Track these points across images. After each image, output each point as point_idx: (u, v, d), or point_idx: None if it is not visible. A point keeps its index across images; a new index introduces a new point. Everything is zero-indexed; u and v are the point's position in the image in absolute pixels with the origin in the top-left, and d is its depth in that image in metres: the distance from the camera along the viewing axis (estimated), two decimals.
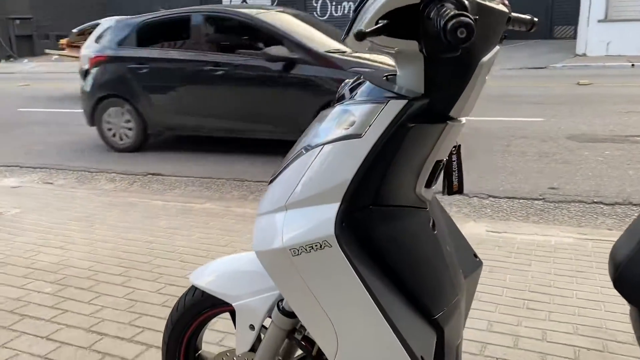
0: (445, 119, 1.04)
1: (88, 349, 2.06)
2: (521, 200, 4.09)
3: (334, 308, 0.99)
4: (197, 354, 1.45)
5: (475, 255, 1.34)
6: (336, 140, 1.02)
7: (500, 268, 2.77)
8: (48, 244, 3.17)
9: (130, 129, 5.98)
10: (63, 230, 3.40)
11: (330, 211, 0.98)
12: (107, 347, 2.08)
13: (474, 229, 3.41)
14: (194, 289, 1.36)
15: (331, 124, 1.05)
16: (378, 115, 0.99)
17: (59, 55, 12.81)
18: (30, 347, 2.08)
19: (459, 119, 1.07)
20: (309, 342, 1.23)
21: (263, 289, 1.23)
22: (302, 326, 1.21)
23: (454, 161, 1.18)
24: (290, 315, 1.17)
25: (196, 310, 1.36)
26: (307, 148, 1.06)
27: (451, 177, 1.18)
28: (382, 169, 1.01)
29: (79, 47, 9.13)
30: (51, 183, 4.88)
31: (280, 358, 1.28)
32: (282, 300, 1.19)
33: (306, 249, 0.97)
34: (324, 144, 1.04)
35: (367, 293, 0.96)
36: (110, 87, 5.93)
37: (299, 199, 1.02)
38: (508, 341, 2.09)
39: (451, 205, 4.02)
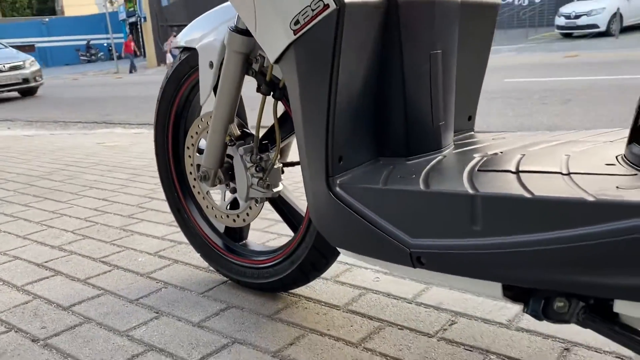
0: None
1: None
2: None
3: None
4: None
5: None
6: None
7: None
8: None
9: None
10: None
11: None
12: None
13: None
14: (176, 59, 1.31)
15: None
16: None
17: None
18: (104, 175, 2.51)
19: None
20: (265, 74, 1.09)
21: (219, 22, 1.14)
22: (260, 55, 1.08)
23: None
24: (243, 32, 1.04)
25: (177, 76, 1.29)
26: None
27: None
28: None
29: None
30: None
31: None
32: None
33: None
34: None
35: None
36: None
37: None
38: None
39: None
